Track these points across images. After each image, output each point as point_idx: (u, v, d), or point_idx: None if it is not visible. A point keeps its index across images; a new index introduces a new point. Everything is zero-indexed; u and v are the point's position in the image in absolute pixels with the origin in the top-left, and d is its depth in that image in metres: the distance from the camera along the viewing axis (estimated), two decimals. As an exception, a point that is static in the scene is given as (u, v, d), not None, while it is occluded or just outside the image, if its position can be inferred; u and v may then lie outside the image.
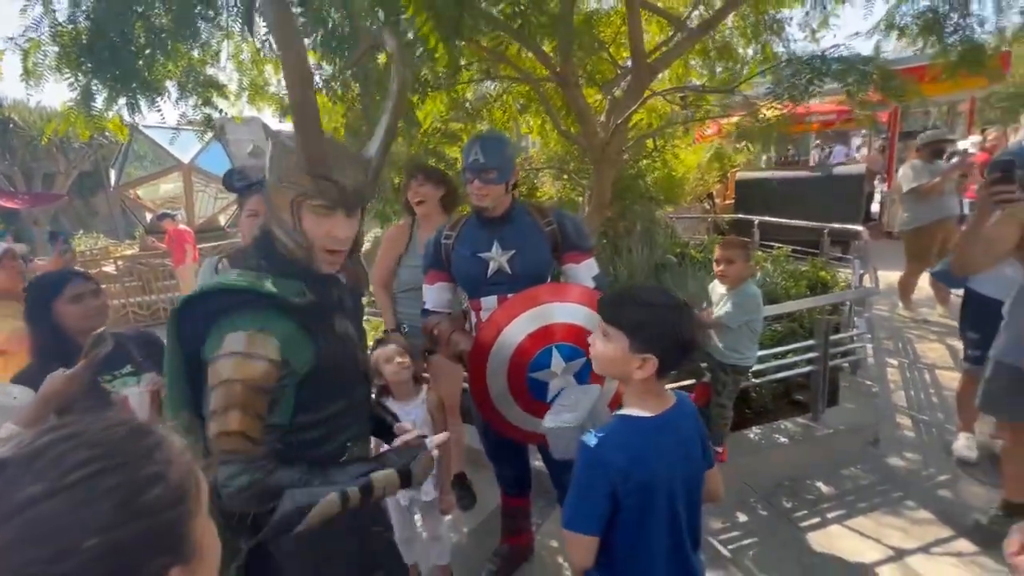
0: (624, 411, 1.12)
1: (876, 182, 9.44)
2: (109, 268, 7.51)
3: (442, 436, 1.15)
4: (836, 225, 5.23)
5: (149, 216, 8.43)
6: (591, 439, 1.07)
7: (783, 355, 2.97)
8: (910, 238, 4.31)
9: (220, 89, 3.87)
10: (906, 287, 4.55)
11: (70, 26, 2.80)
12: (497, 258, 1.71)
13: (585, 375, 1.63)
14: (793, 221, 5.63)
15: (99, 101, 3.03)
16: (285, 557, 1.04)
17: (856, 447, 2.79)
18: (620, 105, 3.85)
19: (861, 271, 3.55)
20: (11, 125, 12.48)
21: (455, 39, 1.92)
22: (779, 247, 5.51)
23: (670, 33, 4.45)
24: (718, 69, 5.01)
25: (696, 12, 4.44)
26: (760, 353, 2.95)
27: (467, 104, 4.87)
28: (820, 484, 2.56)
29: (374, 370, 1.78)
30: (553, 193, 6.48)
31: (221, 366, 0.93)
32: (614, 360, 1.10)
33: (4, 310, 2.13)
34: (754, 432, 2.81)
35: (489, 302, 1.74)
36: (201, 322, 0.96)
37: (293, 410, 1.01)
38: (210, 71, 3.83)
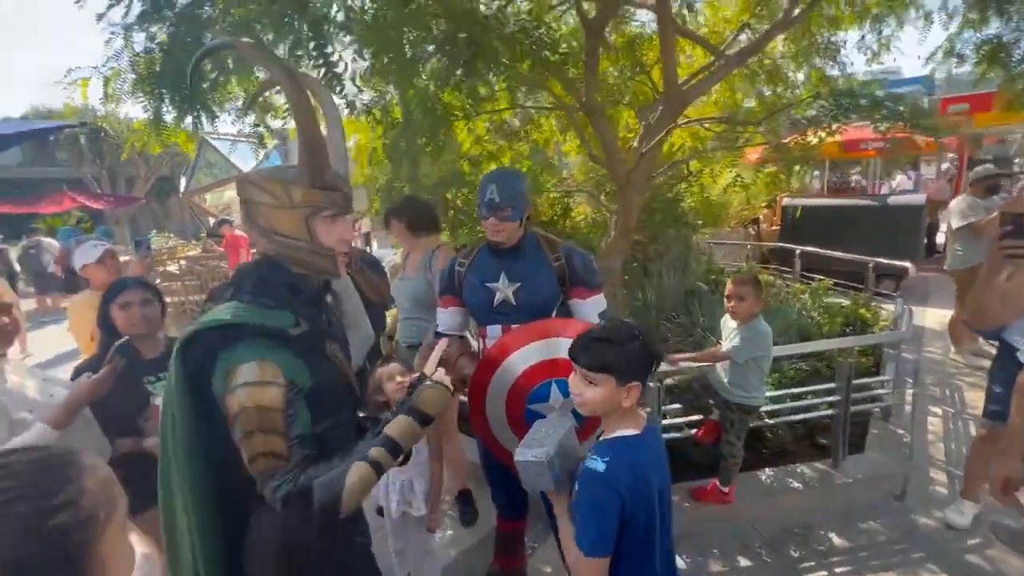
0: (615, 434, 1.19)
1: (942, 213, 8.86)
2: (173, 267, 8.14)
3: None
4: (883, 259, 4.95)
5: (212, 221, 9.11)
6: (599, 465, 1.12)
7: (803, 396, 2.85)
8: (962, 277, 4.04)
9: (274, 109, 4.20)
10: (957, 329, 4.25)
11: (146, 56, 3.13)
12: (503, 289, 1.76)
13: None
14: (837, 252, 5.37)
15: (168, 119, 3.37)
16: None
17: (878, 499, 2.64)
18: (651, 132, 3.86)
19: (900, 311, 3.36)
20: (103, 134, 13.84)
21: (473, 78, 2.04)
22: (821, 279, 5.28)
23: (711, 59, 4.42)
24: (767, 93, 4.93)
25: (743, 36, 4.36)
26: (778, 392, 2.87)
27: (506, 125, 5.02)
28: (833, 535, 2.44)
29: (376, 387, 1.88)
30: (588, 214, 6.52)
31: (238, 396, 1.00)
32: (604, 401, 1.17)
33: None
34: (767, 474, 2.71)
35: (494, 331, 1.80)
36: (202, 358, 1.03)
37: (310, 419, 1.08)
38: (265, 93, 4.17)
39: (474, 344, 2.05)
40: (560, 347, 1.65)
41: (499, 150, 5.10)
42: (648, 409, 2.38)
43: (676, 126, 3.05)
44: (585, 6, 3.23)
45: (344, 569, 1.24)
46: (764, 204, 9.51)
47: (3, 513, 0.45)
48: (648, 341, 1.19)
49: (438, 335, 1.93)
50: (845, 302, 4.63)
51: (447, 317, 1.92)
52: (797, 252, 5.89)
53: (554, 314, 1.80)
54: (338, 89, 2.57)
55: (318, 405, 1.11)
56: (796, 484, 2.64)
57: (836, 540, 2.41)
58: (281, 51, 3.46)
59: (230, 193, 11.67)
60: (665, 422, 2.57)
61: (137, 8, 2.80)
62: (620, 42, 4.92)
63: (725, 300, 2.37)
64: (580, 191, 5.49)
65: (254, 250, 8.19)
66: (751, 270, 6.27)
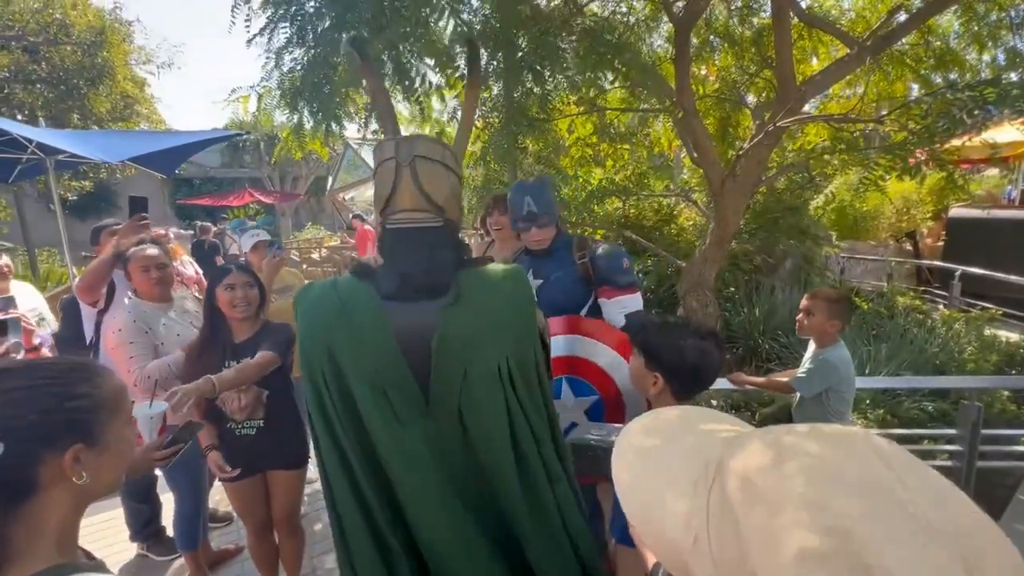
0: None
1: None
2: (316, 255, 9.44)
3: None
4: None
5: (349, 215, 10.39)
6: None
7: (918, 440, 2.42)
8: None
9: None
10: None
11: (289, 75, 3.70)
12: None
13: (597, 414, 1.65)
14: (1012, 276, 4.38)
15: (307, 128, 3.95)
16: None
17: (1010, 580, 2.14)
18: (759, 132, 3.54)
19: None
20: (276, 140, 16.51)
21: (540, 85, 2.10)
22: (986, 308, 4.35)
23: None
24: (937, 80, 4.20)
25: (898, 17, 3.74)
26: (888, 431, 2.48)
27: (611, 128, 4.97)
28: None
29: None
30: (696, 219, 6.15)
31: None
32: (635, 374, 1.25)
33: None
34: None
35: None
36: None
37: None
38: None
39: None
40: (581, 347, 1.68)
41: (602, 151, 5.07)
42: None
43: (787, 125, 2.75)
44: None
45: None
46: (928, 215, 8.04)
47: (39, 390, 0.69)
48: (690, 348, 1.16)
49: None
50: (1015, 337, 3.76)
51: None
52: (957, 273, 4.91)
53: (583, 313, 1.80)
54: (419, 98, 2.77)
55: None
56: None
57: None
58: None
59: (370, 192, 13.14)
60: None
61: (282, 35, 3.33)
62: (746, 38, 4.57)
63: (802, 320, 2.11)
64: (671, 196, 5.20)
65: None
66: (893, 290, 5.37)
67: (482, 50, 3.23)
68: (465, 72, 3.24)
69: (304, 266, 9.01)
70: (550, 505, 1.05)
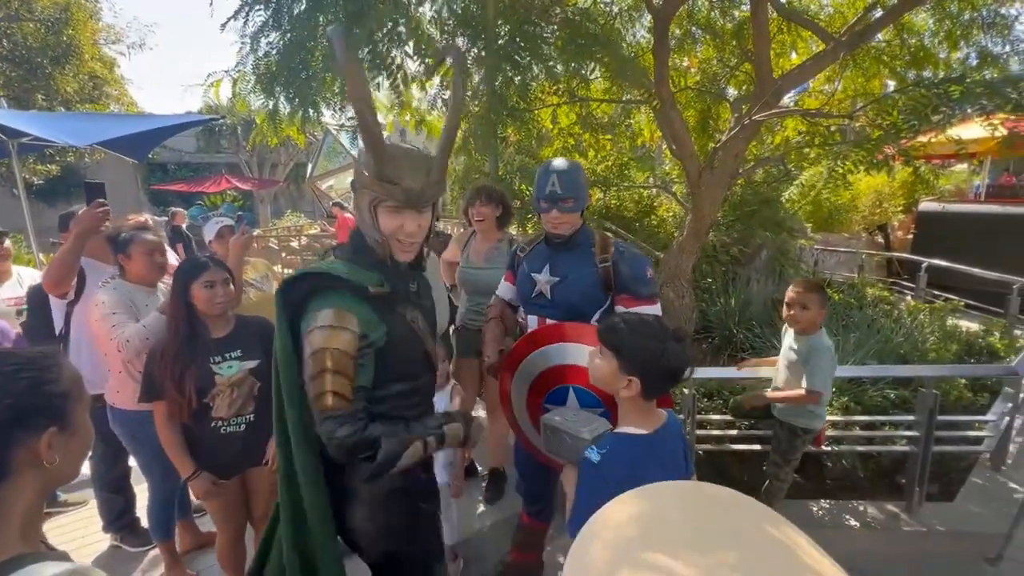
0: (621, 429, 1.24)
1: None
2: (295, 243, 9.29)
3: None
4: (1033, 281, 4.10)
5: (329, 203, 10.23)
6: (594, 455, 1.18)
7: (879, 426, 2.52)
8: None
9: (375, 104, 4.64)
10: None
11: (265, 59, 3.61)
12: (542, 281, 1.75)
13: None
14: (974, 269, 4.55)
15: (283, 113, 3.87)
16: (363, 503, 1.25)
17: (959, 557, 2.26)
18: (736, 125, 3.59)
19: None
20: (253, 125, 16.11)
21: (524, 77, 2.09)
22: (949, 299, 4.52)
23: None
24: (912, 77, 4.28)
25: (873, 14, 3.81)
26: (841, 419, 2.58)
27: (592, 118, 4.97)
28: (888, 586, 2.16)
29: None
30: (677, 211, 6.21)
31: (314, 337, 1.11)
32: (605, 376, 1.24)
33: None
34: (820, 505, 2.46)
35: (531, 321, 1.81)
36: (300, 297, 1.18)
37: (384, 378, 1.19)
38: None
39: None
40: (583, 355, 1.58)
41: (585, 142, 5.07)
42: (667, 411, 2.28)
43: (762, 119, 2.79)
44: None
45: (415, 528, 1.34)
46: (900, 209, 8.27)
47: (14, 375, 0.72)
48: (668, 349, 1.18)
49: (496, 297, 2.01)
50: (975, 327, 3.92)
51: (505, 288, 1.99)
52: (923, 265, 5.08)
53: (596, 317, 1.71)
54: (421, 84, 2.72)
55: (392, 365, 1.21)
56: (854, 522, 2.36)
57: (891, 591, 2.14)
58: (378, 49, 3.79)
59: (350, 178, 12.92)
60: (701, 432, 2.44)
61: (258, 18, 3.25)
62: (727, 31, 4.60)
63: (785, 307, 2.18)
64: (652, 187, 5.25)
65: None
66: (863, 281, 5.54)
67: (461, 39, 3.20)
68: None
69: (283, 254, 8.87)
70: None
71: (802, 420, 2.15)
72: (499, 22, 2.82)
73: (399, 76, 2.80)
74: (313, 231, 10.44)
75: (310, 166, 11.24)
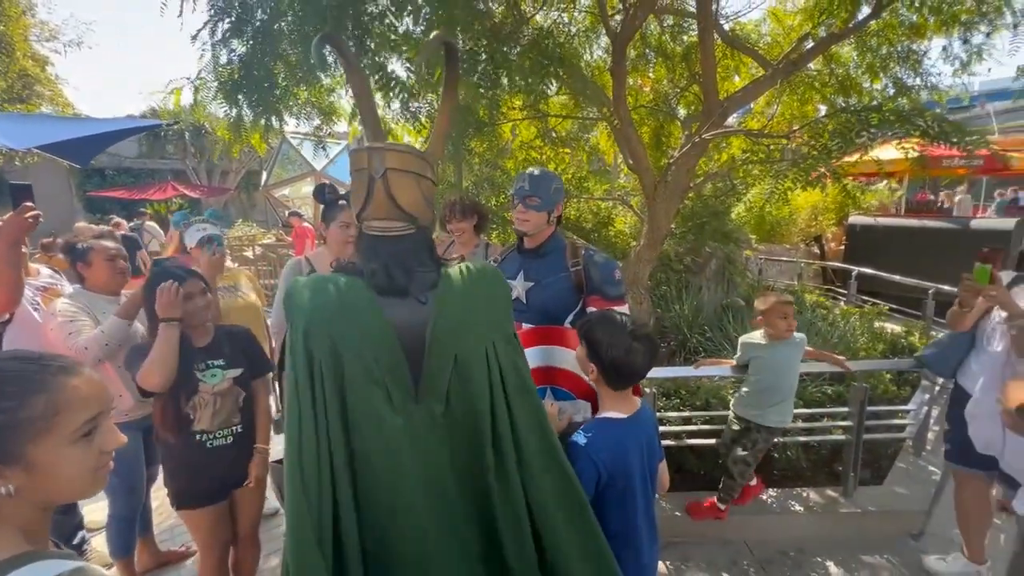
0: (603, 414, 1.38)
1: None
2: (248, 253, 8.98)
3: None
4: (945, 286, 4.58)
5: (286, 212, 9.97)
6: (580, 439, 1.32)
7: (818, 418, 2.76)
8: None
9: (336, 113, 4.62)
10: None
11: (228, 67, 3.56)
12: (517, 287, 1.80)
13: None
14: (896, 276, 5.02)
15: (247, 122, 3.80)
16: None
17: (889, 535, 2.51)
18: (686, 143, 3.85)
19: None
20: (203, 131, 15.49)
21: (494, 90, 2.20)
22: (876, 304, 4.96)
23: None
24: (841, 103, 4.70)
25: (806, 45, 4.19)
26: (794, 413, 2.80)
27: (553, 133, 5.15)
28: (831, 564, 2.36)
29: None
30: (634, 223, 6.50)
31: None
32: (580, 360, 1.41)
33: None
34: (769, 494, 2.66)
35: None
36: None
37: None
38: (330, 99, 4.61)
39: None
40: (561, 357, 1.72)
41: (545, 156, 5.24)
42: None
43: (710, 137, 3.02)
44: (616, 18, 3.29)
45: None
46: (833, 222, 8.96)
47: None
48: (634, 350, 1.30)
49: None
50: (898, 328, 4.33)
51: None
52: (853, 273, 5.55)
53: (569, 320, 1.78)
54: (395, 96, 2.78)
55: None
56: (798, 507, 2.57)
57: (832, 569, 2.34)
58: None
59: (306, 188, 12.67)
60: (661, 429, 2.59)
61: (222, 28, 3.21)
62: (676, 53, 4.92)
63: (779, 319, 2.32)
64: (610, 200, 5.50)
65: (318, 242, 8.83)
66: (802, 288, 5.98)
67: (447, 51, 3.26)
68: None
69: (236, 264, 8.55)
70: (518, 500, 1.04)
71: (782, 422, 2.38)
72: (481, 41, 2.91)
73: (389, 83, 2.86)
74: (267, 241, 10.12)
75: (264, 174, 10.92)
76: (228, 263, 2.61)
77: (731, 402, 2.56)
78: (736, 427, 2.46)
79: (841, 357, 2.54)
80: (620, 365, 1.32)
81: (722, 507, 2.47)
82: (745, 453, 2.37)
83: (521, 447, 1.06)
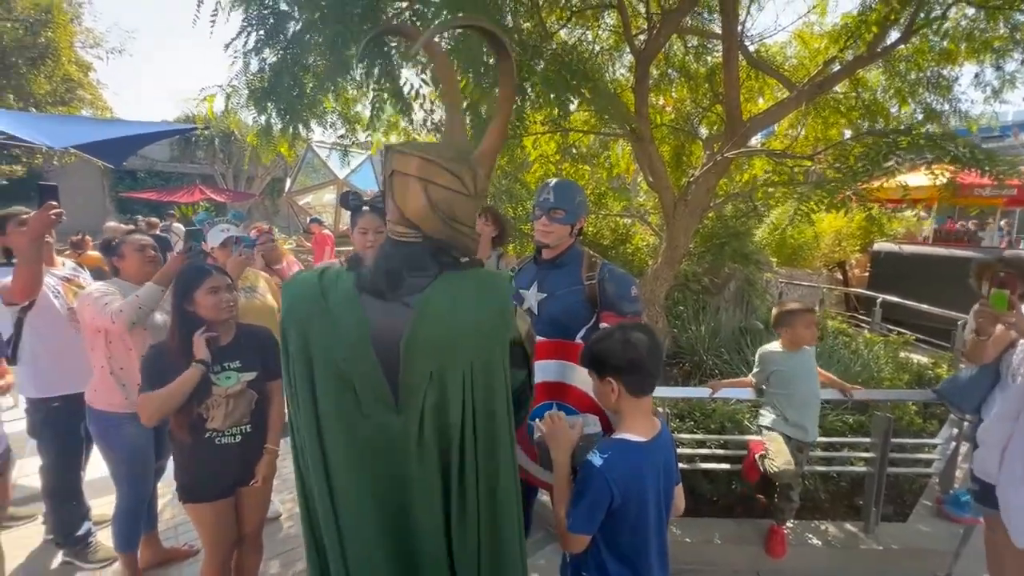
0: (621, 435, 1.30)
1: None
2: (269, 257, 9.13)
3: None
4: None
5: (307, 219, 10.15)
6: (596, 459, 1.26)
7: (837, 448, 2.66)
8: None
9: (361, 122, 4.72)
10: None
11: (258, 75, 3.65)
12: (530, 297, 1.78)
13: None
14: (923, 305, 4.87)
15: (275, 130, 3.90)
16: None
17: (915, 575, 2.38)
18: (708, 162, 3.82)
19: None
20: (232, 137, 15.96)
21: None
22: (902, 333, 4.80)
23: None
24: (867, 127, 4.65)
25: (832, 68, 4.16)
26: (813, 441, 2.71)
27: (574, 148, 5.18)
28: (848, 602, 2.25)
29: None
30: (652, 240, 6.45)
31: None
32: (598, 393, 1.33)
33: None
34: (787, 525, 2.55)
35: None
36: None
37: None
38: (357, 109, 4.72)
39: None
40: (573, 375, 1.68)
41: (564, 172, 5.26)
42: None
43: (732, 156, 3.00)
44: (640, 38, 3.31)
45: None
46: (857, 248, 8.78)
47: None
48: (627, 344, 1.25)
49: None
50: (924, 359, 4.18)
51: None
52: (878, 301, 5.40)
53: (581, 335, 1.73)
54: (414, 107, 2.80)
55: None
56: (814, 540, 2.46)
57: (850, 607, 2.23)
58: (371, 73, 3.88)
59: (328, 196, 12.91)
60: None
61: (253, 37, 3.31)
62: (701, 73, 4.93)
63: (804, 328, 2.34)
64: (628, 216, 5.48)
65: (338, 249, 8.91)
66: (824, 314, 5.83)
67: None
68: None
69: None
70: (472, 524, 1.01)
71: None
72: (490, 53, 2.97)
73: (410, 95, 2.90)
74: (288, 246, 10.30)
75: (289, 181, 11.17)
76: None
77: (777, 432, 2.40)
78: (797, 453, 2.37)
79: (849, 385, 2.50)
80: (628, 362, 1.26)
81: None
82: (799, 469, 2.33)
83: (483, 472, 1.01)
